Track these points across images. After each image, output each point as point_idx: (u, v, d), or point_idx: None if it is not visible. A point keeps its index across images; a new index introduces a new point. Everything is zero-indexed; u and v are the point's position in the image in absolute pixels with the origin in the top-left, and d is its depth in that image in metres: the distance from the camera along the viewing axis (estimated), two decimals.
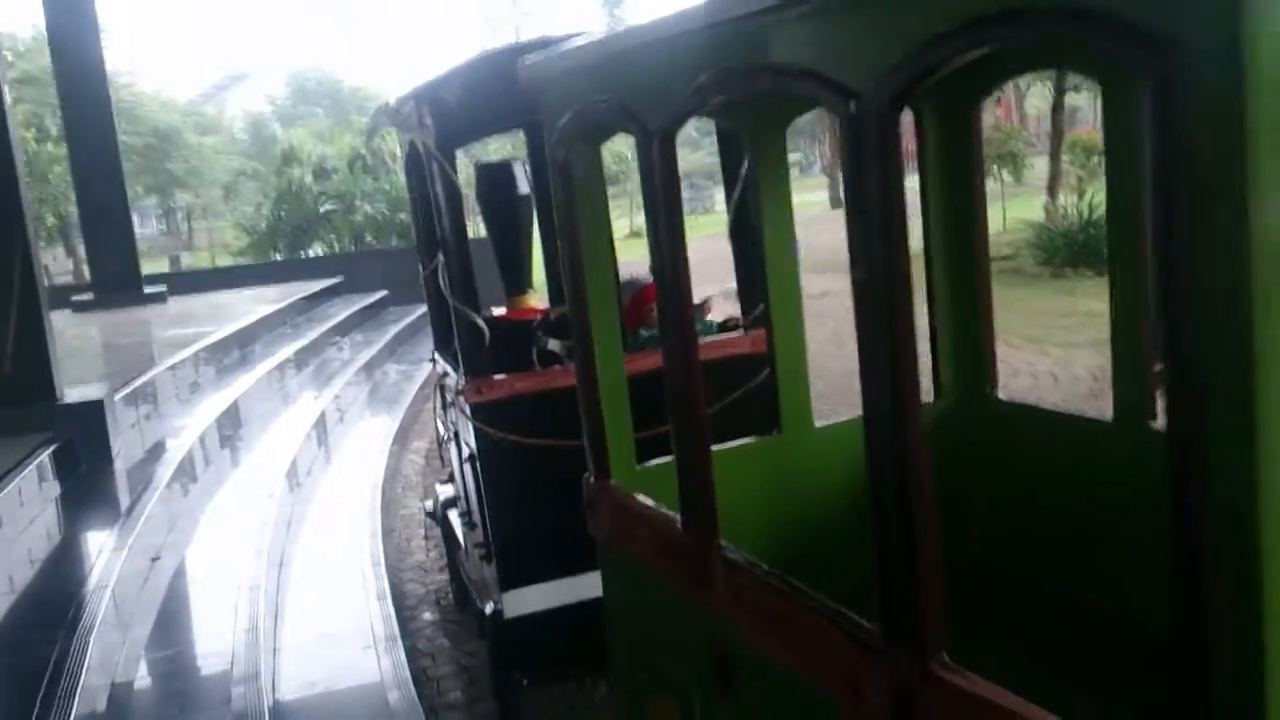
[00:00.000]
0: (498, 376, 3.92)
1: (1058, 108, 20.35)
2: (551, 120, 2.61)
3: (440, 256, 4.13)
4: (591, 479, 2.79)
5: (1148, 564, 1.56)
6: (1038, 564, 2.87)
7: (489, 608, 4.15)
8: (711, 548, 2.24)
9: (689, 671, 2.44)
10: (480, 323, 3.96)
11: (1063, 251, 15.49)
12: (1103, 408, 2.76)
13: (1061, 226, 16.45)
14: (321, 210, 23.33)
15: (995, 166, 20.98)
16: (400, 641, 4.94)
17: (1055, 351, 10.36)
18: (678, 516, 2.35)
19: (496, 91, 3.74)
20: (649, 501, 2.56)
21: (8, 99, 7.59)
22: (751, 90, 2.02)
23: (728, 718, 2.33)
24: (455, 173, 3.96)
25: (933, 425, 2.71)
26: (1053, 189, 19.65)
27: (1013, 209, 20.32)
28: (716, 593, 2.25)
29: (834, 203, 32.06)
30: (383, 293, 16.47)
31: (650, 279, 3.44)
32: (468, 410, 3.99)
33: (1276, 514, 1.11)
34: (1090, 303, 12.10)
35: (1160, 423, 2.50)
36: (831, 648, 1.85)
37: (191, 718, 4.19)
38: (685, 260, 2.22)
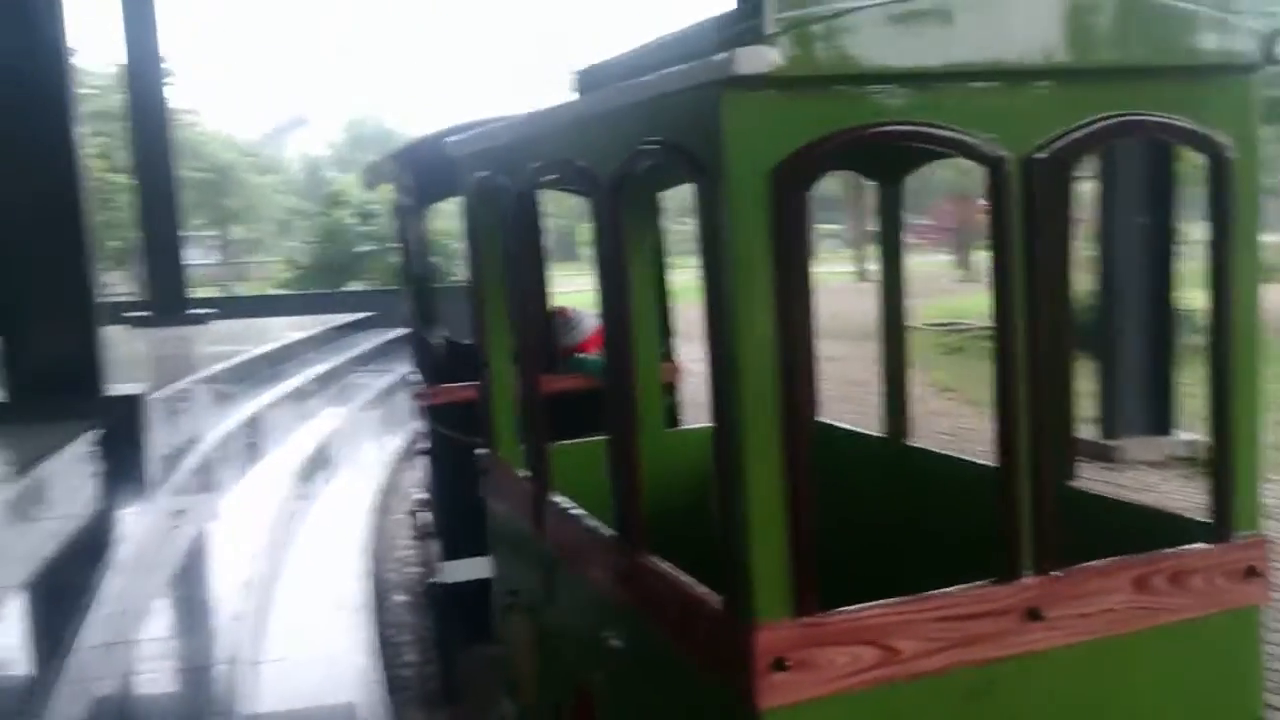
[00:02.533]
0: (445, 386, 4.90)
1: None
2: (465, 184, 3.62)
3: (411, 290, 5.16)
4: (486, 452, 3.67)
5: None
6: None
7: (432, 578, 5.09)
8: (544, 494, 3.08)
9: (531, 588, 3.39)
10: (433, 342, 4.99)
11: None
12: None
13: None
14: (359, 250, 24.71)
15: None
16: (371, 611, 5.95)
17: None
18: (530, 476, 3.16)
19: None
20: (517, 469, 3.38)
21: (79, 133, 8.82)
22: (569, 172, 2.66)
23: (552, 618, 3.27)
24: (426, 225, 5.00)
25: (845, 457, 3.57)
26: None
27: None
28: (546, 527, 3.10)
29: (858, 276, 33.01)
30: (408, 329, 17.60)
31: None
32: (422, 411, 5.02)
33: (757, 485, 1.96)
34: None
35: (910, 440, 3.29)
36: (602, 556, 2.65)
37: (187, 638, 5.24)
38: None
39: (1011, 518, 2.11)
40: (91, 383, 8.23)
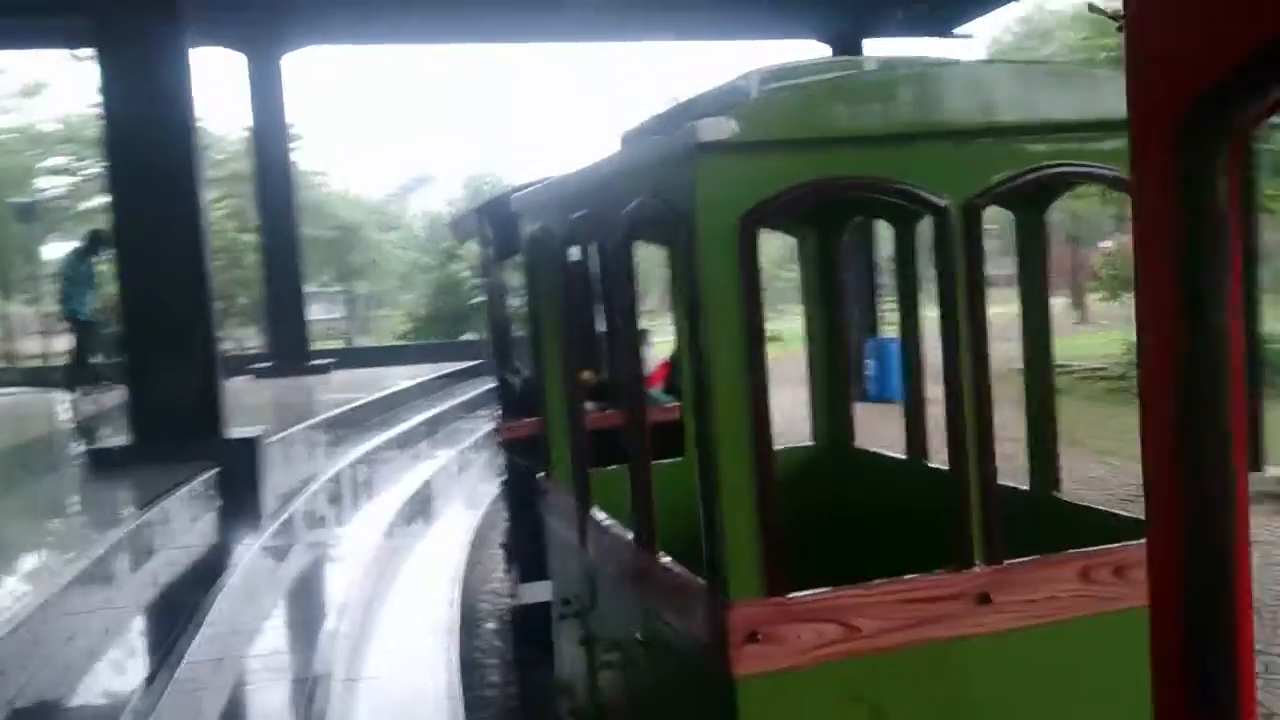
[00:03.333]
0: (518, 421, 5.32)
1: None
2: (525, 235, 4.01)
3: (493, 335, 5.61)
4: (543, 476, 4.12)
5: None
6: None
7: (512, 600, 5.48)
8: (586, 511, 3.47)
9: (578, 595, 3.72)
10: (511, 381, 5.41)
11: None
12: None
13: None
14: (473, 302, 25.57)
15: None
16: (458, 635, 6.32)
17: (1113, 461, 11.22)
18: (575, 494, 3.54)
19: None
20: (558, 487, 3.83)
21: (205, 198, 9.55)
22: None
23: (594, 621, 3.60)
24: (504, 275, 5.45)
25: (805, 463, 3.95)
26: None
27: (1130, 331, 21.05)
28: (588, 539, 3.49)
29: None
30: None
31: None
32: (500, 444, 5.43)
33: (728, 476, 2.32)
34: None
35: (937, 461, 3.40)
36: (624, 558, 3.04)
37: (287, 655, 5.67)
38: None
39: (964, 512, 2.36)
40: (212, 426, 8.85)
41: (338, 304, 49.09)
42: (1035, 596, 2.38)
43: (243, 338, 27.22)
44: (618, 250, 2.80)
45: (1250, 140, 1.29)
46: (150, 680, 4.73)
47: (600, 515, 3.35)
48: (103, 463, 8.61)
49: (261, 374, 17.61)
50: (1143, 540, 2.39)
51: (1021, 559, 2.40)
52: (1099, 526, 2.64)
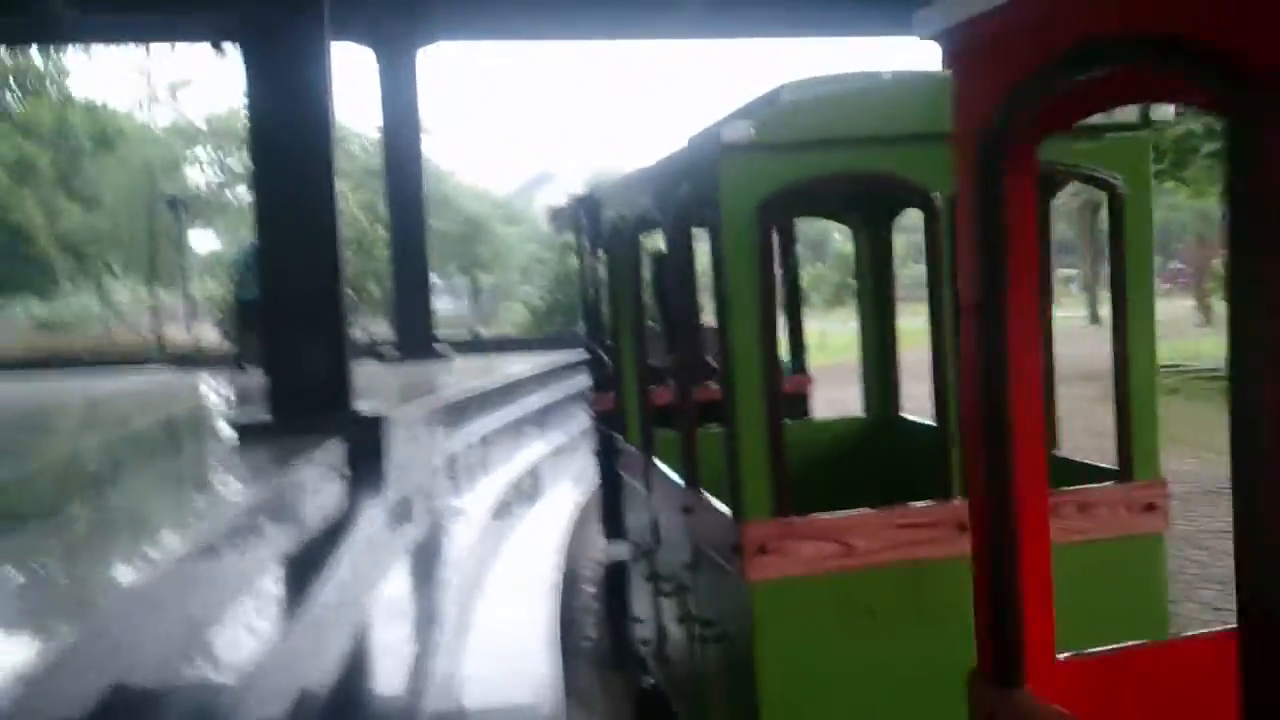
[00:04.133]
0: (609, 393, 5.88)
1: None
2: (606, 222, 4.57)
3: (585, 316, 6.21)
4: (619, 437, 4.70)
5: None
6: None
7: (601, 556, 6.07)
8: (650, 462, 4.07)
9: (645, 538, 4.29)
10: (603, 355, 5.96)
11: None
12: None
13: None
14: None
15: None
16: (559, 592, 6.93)
17: (1207, 455, 11.29)
18: (641, 451, 4.17)
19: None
20: (632, 447, 4.43)
21: (338, 192, 10.34)
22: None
23: (660, 562, 4.15)
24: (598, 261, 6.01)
25: (856, 431, 4.44)
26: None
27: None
28: (651, 486, 4.08)
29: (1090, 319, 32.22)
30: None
31: None
32: (591, 415, 6.00)
33: (743, 411, 2.88)
34: None
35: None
36: (676, 497, 3.56)
37: (402, 603, 6.33)
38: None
39: (946, 455, 2.84)
40: (341, 404, 9.63)
41: (463, 296, 50.65)
42: None
43: (372, 326, 28.44)
44: (675, 233, 3.32)
45: (1032, 156, 1.58)
46: (285, 616, 5.42)
47: (660, 465, 3.90)
48: (244, 435, 9.47)
49: (388, 359, 18.61)
50: (1106, 484, 2.85)
51: None
52: (1078, 472, 3.07)
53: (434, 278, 49.48)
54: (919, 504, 2.88)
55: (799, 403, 5.26)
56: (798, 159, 2.75)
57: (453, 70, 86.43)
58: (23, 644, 3.55)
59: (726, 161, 2.72)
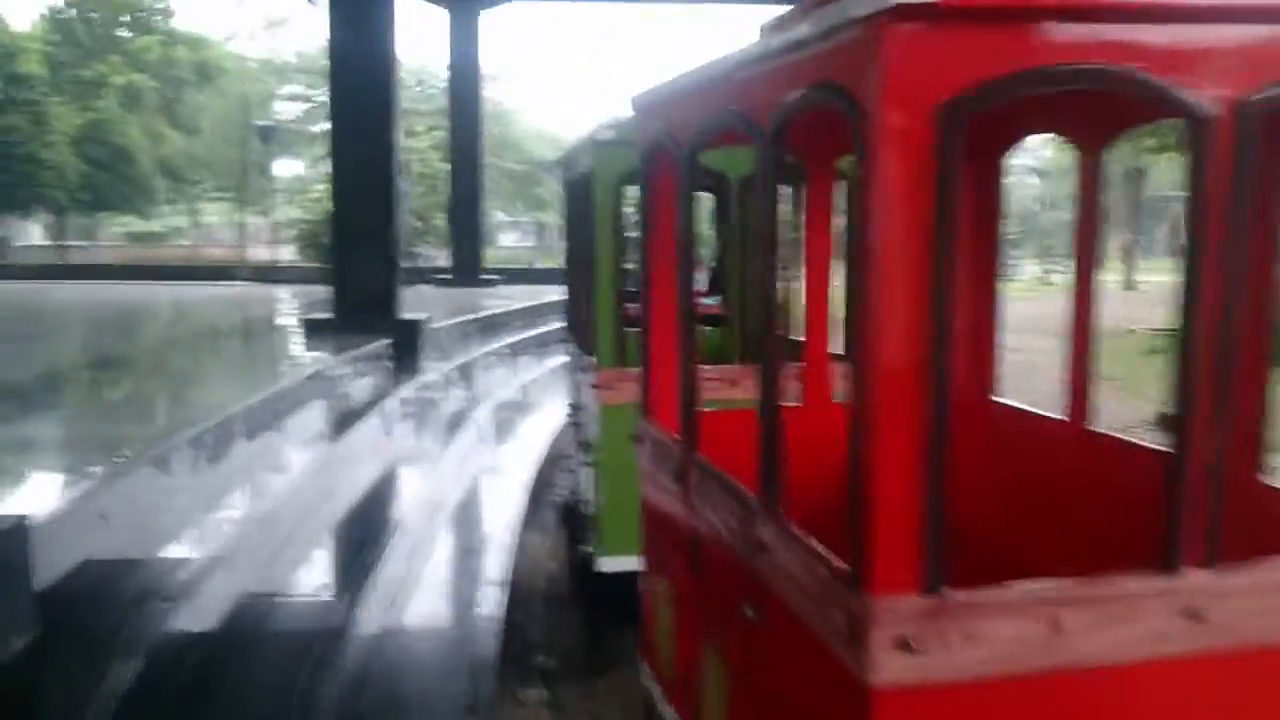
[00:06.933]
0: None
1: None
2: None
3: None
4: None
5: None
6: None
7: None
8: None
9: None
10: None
11: None
12: None
13: None
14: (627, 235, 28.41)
15: None
16: (542, 461, 9.18)
17: None
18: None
19: None
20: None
21: (399, 127, 12.51)
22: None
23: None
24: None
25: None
26: None
27: None
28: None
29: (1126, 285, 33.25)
30: None
31: None
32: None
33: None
34: None
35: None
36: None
37: (415, 464, 8.71)
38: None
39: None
40: (390, 309, 12.01)
41: (529, 233, 53.05)
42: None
43: (433, 255, 30.88)
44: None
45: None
46: (328, 446, 7.79)
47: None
48: (311, 330, 11.88)
49: (440, 284, 21.08)
50: None
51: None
52: None
53: (502, 215, 51.61)
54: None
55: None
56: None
57: (533, 26, 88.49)
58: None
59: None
